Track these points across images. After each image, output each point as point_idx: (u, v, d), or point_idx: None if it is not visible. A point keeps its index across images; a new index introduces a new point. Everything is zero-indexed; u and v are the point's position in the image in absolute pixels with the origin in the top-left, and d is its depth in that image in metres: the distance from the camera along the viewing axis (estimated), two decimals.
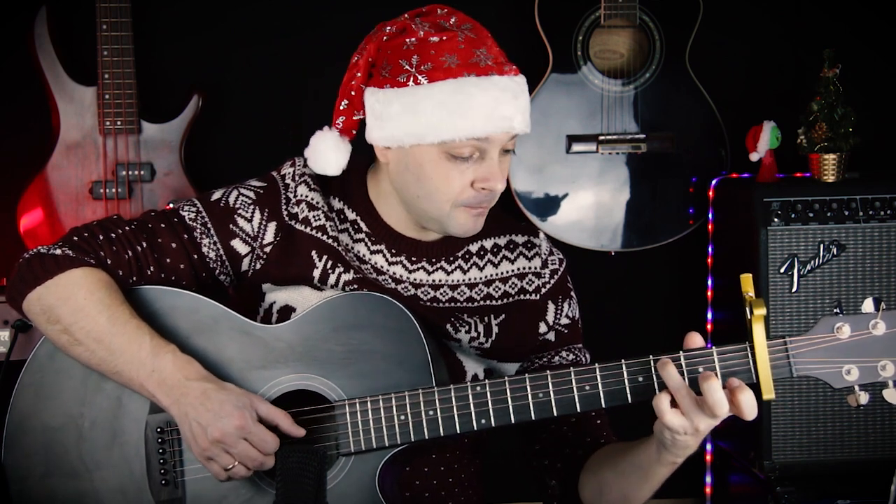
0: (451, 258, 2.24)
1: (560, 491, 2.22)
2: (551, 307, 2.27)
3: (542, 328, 2.26)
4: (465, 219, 2.13)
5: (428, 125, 2.06)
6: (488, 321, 2.21)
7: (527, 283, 2.26)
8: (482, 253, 2.26)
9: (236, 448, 1.96)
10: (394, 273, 2.21)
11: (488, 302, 2.23)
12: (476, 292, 2.23)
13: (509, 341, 2.23)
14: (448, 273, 2.23)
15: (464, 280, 2.23)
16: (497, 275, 2.25)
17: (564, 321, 2.29)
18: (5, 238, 3.52)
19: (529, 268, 2.27)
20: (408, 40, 2.09)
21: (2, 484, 2.10)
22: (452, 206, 2.11)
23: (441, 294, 2.21)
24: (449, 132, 2.05)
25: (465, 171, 2.09)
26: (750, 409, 1.84)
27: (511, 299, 2.24)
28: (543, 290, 2.27)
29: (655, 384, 1.91)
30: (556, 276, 2.29)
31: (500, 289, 2.24)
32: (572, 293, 2.32)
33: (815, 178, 3.50)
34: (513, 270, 2.26)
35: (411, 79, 2.07)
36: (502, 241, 2.28)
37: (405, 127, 2.08)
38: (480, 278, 2.24)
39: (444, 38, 2.08)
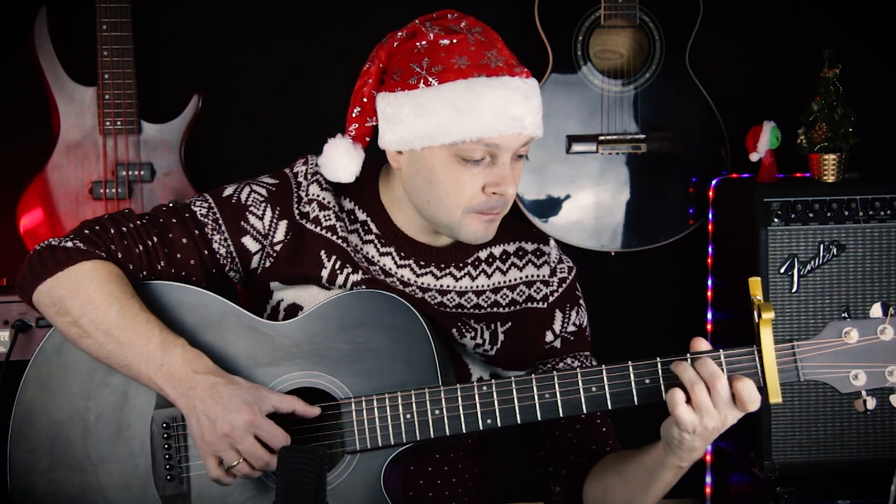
0: (461, 265, 2.22)
1: (563, 498, 2.21)
2: (559, 315, 2.26)
3: (549, 337, 2.25)
4: (477, 226, 2.10)
5: (438, 125, 2.04)
6: (494, 328, 2.20)
7: (534, 291, 2.25)
8: (491, 260, 2.24)
9: (244, 444, 1.96)
10: (402, 276, 2.20)
11: (495, 309, 2.22)
12: (483, 299, 2.22)
13: (515, 349, 2.22)
14: (457, 279, 2.21)
15: (472, 287, 2.22)
16: (505, 282, 2.24)
17: (571, 329, 2.27)
18: (5, 238, 3.51)
19: (538, 276, 2.25)
20: (418, 44, 2.09)
21: (6, 477, 2.10)
22: (464, 212, 2.09)
23: (448, 300, 2.20)
24: (459, 132, 2.03)
25: (476, 176, 2.06)
26: (749, 397, 1.85)
27: (518, 307, 2.23)
28: (551, 299, 2.25)
29: (662, 386, 1.91)
30: (564, 285, 2.27)
31: (507, 296, 2.23)
32: (581, 301, 2.30)
33: (815, 179, 3.51)
34: (521, 278, 2.25)
35: (422, 81, 2.06)
36: (511, 247, 2.26)
37: (416, 129, 2.06)
38: (488, 286, 2.23)
39: (455, 40, 2.07)
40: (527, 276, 2.25)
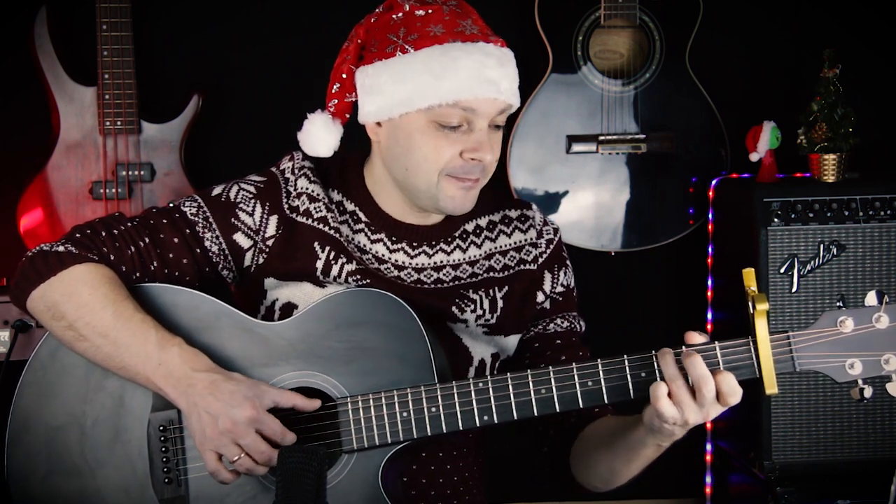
0: (449, 238, 2.25)
1: (550, 458, 2.24)
2: (548, 276, 2.29)
3: (540, 297, 2.28)
4: (454, 190, 2.12)
5: (415, 90, 2.07)
6: (493, 295, 2.23)
7: (525, 254, 2.27)
8: (478, 231, 2.27)
9: (246, 439, 1.96)
10: (396, 260, 2.21)
11: (491, 274, 2.24)
12: (478, 268, 2.24)
13: (512, 313, 2.24)
14: (448, 254, 2.24)
15: (464, 259, 2.24)
16: (495, 248, 2.27)
17: (559, 289, 2.30)
18: (5, 238, 3.51)
19: (526, 240, 2.28)
20: (394, 16, 2.12)
21: (4, 483, 2.10)
22: (440, 175, 2.11)
23: (444, 275, 2.22)
24: (435, 95, 2.06)
25: (454, 142, 2.09)
26: (730, 390, 1.85)
27: (512, 271, 2.26)
28: (540, 260, 2.28)
29: (658, 379, 1.91)
30: (551, 246, 2.30)
31: (500, 261, 2.26)
32: (567, 262, 2.33)
33: (815, 178, 3.50)
34: (510, 244, 2.28)
35: (398, 49, 2.10)
36: (496, 216, 2.29)
37: (394, 96, 2.10)
38: (480, 255, 2.26)
39: (430, 10, 2.11)
40: (515, 242, 2.28)
